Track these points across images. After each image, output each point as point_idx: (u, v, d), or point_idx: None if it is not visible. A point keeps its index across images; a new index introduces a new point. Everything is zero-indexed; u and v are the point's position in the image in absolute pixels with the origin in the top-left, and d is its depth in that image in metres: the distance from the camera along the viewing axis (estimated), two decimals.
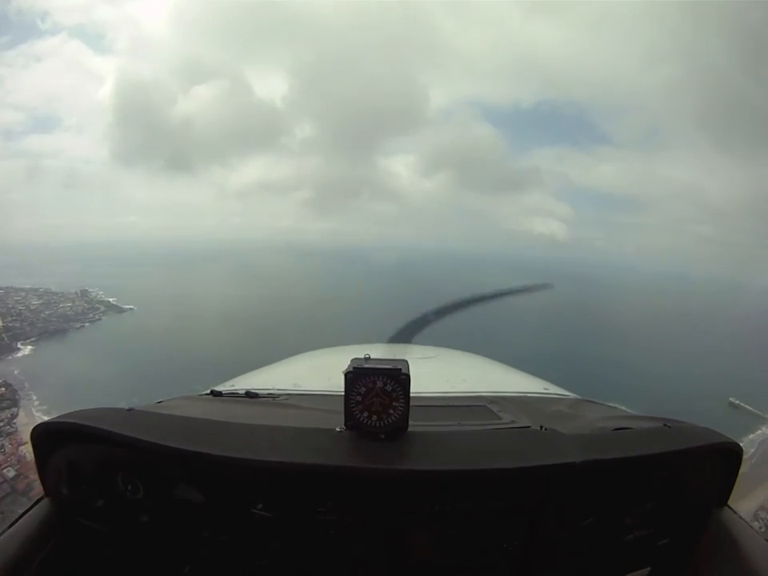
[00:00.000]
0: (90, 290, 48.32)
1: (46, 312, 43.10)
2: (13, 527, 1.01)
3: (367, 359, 1.04)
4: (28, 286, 45.01)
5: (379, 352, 1.10)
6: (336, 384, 1.09)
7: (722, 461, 1.13)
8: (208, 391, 1.68)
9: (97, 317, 44.06)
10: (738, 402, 30.63)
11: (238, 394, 1.63)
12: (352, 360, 1.04)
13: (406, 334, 1.65)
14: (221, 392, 1.65)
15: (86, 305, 46.16)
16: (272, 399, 1.58)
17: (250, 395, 1.59)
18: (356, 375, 1.01)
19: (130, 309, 47.04)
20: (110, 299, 48.08)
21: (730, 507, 1.17)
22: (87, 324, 42.69)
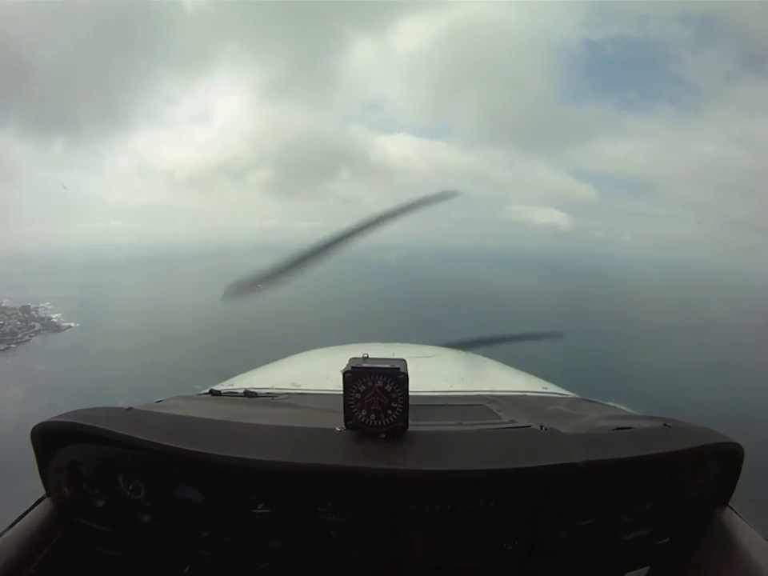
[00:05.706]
0: (41, 304, 41.69)
1: None
2: (13, 527, 1.08)
3: (366, 359, 1.09)
4: None
5: (378, 351, 1.14)
6: (335, 383, 1.16)
7: (722, 461, 1.19)
8: (207, 390, 1.75)
9: (26, 337, 37.57)
10: None
11: (236, 393, 1.70)
12: (350, 359, 1.11)
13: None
14: (219, 391, 1.71)
15: (19, 323, 39.30)
16: (271, 398, 1.64)
17: (248, 394, 1.65)
18: (354, 375, 1.07)
19: (69, 327, 40.32)
20: (53, 315, 41.37)
21: (731, 508, 1.24)
22: (14, 345, 36.22)
